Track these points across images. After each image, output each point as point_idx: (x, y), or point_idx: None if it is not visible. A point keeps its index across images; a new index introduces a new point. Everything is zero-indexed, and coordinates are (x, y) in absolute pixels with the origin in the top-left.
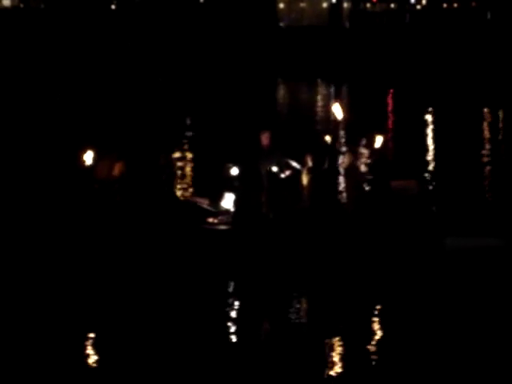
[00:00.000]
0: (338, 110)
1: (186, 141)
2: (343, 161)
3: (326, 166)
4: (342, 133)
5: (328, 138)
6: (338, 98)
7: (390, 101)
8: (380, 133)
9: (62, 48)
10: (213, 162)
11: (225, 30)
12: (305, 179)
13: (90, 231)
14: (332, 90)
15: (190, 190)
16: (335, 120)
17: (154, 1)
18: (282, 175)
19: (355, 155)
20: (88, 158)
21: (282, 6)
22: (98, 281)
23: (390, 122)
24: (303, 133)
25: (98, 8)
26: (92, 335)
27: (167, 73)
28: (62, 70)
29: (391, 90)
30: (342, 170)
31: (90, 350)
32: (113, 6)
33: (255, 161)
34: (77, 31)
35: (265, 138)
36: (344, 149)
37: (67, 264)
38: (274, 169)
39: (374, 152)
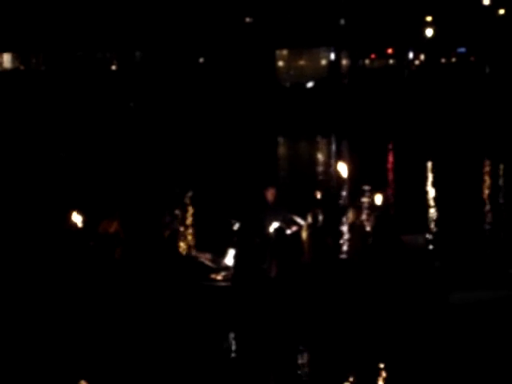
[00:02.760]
0: (343, 169)
1: (190, 197)
2: (347, 217)
3: (320, 221)
4: (346, 189)
5: (319, 194)
6: (340, 155)
7: (390, 156)
8: (382, 188)
9: (63, 109)
10: (217, 219)
11: (224, 88)
12: (304, 235)
13: (89, 285)
14: (333, 146)
15: (194, 245)
16: (340, 178)
17: (154, 61)
18: (288, 231)
19: (359, 211)
20: (78, 219)
21: (281, 63)
22: (97, 336)
23: (391, 177)
24: (305, 190)
25: (99, 69)
26: None
27: (169, 131)
28: (63, 130)
29: (392, 145)
30: (346, 226)
31: None
32: (113, 67)
33: (259, 217)
34: (78, 92)
35: (270, 195)
36: (348, 205)
37: (63, 321)
38: (279, 225)
39: (377, 208)
